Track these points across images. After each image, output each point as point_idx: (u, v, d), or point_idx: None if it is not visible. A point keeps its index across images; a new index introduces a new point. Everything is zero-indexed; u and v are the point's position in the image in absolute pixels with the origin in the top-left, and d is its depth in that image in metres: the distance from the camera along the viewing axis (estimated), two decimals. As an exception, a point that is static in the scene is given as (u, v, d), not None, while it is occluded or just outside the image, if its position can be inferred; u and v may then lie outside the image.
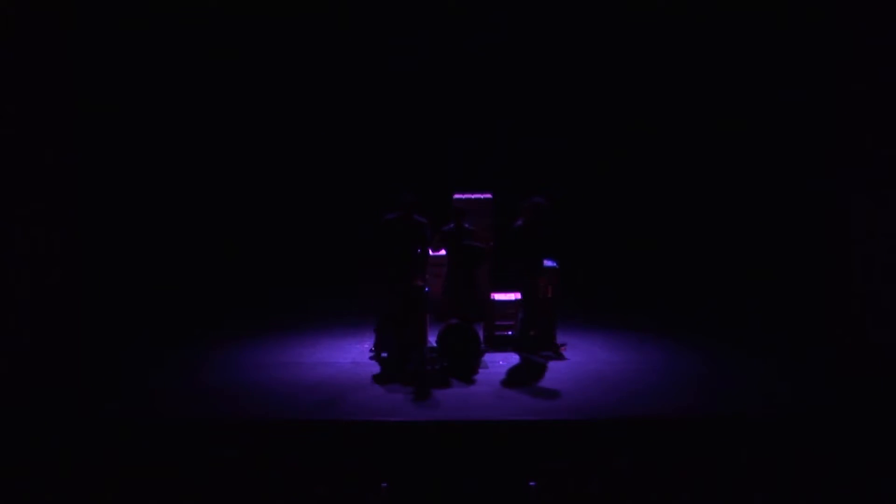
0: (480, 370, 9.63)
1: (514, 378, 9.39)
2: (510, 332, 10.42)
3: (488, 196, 10.68)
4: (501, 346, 10.38)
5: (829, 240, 10.15)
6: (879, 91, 9.39)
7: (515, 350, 10.22)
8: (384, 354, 10.07)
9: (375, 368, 9.73)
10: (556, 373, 9.55)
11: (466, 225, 10.12)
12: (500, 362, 9.96)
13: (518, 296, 10.50)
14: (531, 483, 7.04)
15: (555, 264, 10.36)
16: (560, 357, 10.09)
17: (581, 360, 9.99)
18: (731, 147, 13.08)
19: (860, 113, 9.60)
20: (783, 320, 11.24)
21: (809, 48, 11.38)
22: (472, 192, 10.73)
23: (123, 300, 11.97)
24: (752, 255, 12.92)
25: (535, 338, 10.15)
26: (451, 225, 10.05)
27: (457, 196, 10.55)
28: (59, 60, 10.24)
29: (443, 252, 10.20)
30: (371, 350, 10.19)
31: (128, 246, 12.70)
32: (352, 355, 10.19)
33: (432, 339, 9.99)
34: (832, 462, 7.48)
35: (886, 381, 8.92)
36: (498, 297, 10.57)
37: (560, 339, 10.36)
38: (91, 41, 11.42)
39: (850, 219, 9.95)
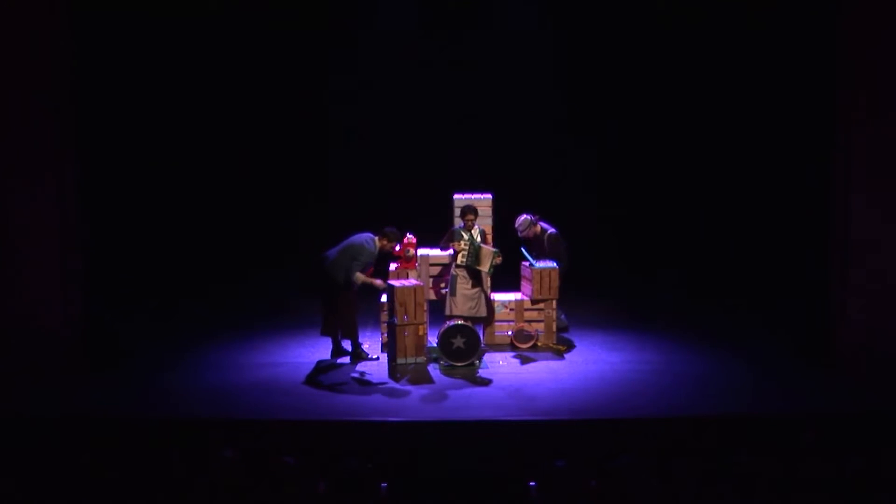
0: (480, 370, 9.63)
1: (514, 378, 9.38)
2: (510, 332, 10.44)
3: (488, 196, 10.65)
4: (501, 346, 10.39)
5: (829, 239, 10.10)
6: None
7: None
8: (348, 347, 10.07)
9: (375, 368, 9.73)
10: (556, 373, 9.55)
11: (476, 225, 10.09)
12: (501, 362, 9.95)
13: (521, 296, 10.51)
14: (531, 483, 7.04)
15: (555, 264, 10.38)
16: (560, 356, 10.10)
17: (581, 360, 9.99)
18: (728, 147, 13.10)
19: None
20: (783, 320, 11.22)
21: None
22: (472, 192, 10.71)
23: (121, 293, 11.95)
24: (751, 255, 12.92)
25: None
26: (462, 224, 10.03)
27: (456, 195, 10.53)
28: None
29: (450, 251, 10.13)
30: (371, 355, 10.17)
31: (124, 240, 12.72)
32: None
33: (432, 340, 10.00)
34: (831, 462, 7.46)
35: (885, 380, 8.93)
36: (498, 297, 10.57)
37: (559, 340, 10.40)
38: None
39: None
